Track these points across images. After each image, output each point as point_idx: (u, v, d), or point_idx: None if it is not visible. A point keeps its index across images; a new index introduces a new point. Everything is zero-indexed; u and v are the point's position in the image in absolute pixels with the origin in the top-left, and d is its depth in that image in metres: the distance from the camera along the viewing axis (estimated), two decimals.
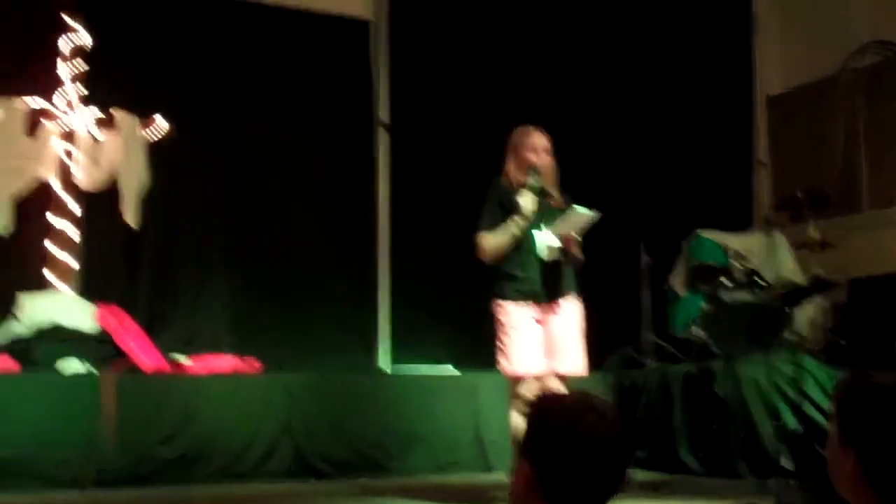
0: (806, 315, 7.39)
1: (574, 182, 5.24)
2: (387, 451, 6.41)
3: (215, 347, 7.10)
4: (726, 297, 7.16)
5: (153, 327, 6.92)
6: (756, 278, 7.24)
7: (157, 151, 7.13)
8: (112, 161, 6.95)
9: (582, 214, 4.87)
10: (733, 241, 7.69)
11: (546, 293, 4.90)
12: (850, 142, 8.63)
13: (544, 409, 2.13)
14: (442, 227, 7.53)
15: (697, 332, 7.24)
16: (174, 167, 7.28)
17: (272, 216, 7.61)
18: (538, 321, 4.90)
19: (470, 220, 6.96)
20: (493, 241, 4.91)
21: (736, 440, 6.21)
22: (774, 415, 5.61)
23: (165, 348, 6.69)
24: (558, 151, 5.14)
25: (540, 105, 7.58)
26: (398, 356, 7.71)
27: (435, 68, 8.04)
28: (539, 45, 8.33)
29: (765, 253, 7.28)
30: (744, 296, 7.14)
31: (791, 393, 5.90)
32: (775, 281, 6.84)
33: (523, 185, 4.89)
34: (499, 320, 4.92)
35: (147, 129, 7.06)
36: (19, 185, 6.71)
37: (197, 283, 7.41)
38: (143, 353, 6.36)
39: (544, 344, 4.91)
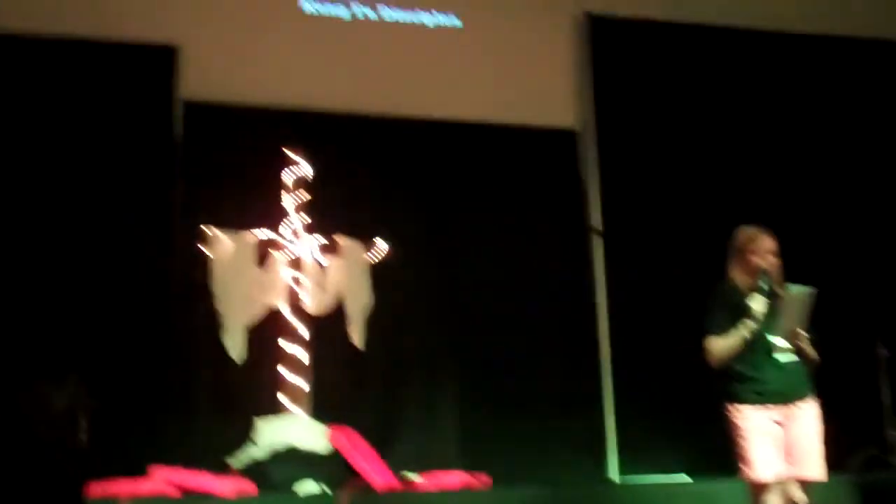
0: None
1: (803, 277, 5.08)
2: None
3: (444, 464, 7.14)
4: None
5: (383, 446, 7.02)
6: None
7: (379, 272, 7.34)
8: (337, 285, 7.19)
9: (798, 294, 4.72)
10: None
11: (782, 395, 4.74)
12: None
13: None
14: (662, 330, 7.44)
15: None
16: (397, 287, 7.47)
17: (494, 331, 7.66)
18: (777, 423, 4.74)
19: (689, 322, 6.84)
20: (722, 344, 4.82)
21: None
22: None
23: (396, 466, 6.77)
24: (783, 247, 5.02)
25: (755, 202, 7.47)
26: (627, 466, 7.55)
27: (643, 172, 8.04)
28: (749, 142, 8.22)
29: None
30: None
31: None
32: None
33: (751, 288, 4.80)
34: (735, 424, 4.77)
35: (369, 253, 7.29)
36: (252, 314, 7.01)
37: (424, 400, 7.52)
38: (375, 472, 6.46)
39: (783, 448, 4.73)
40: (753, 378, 4.76)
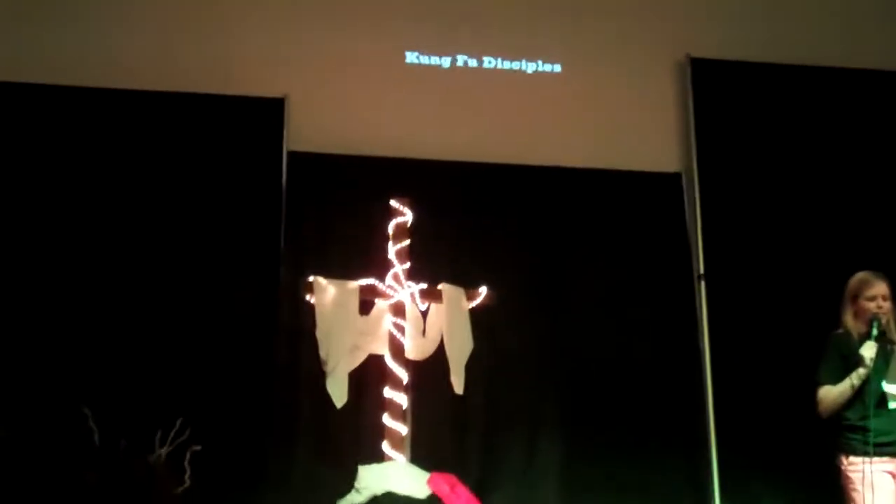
0: None
1: None
2: None
3: None
4: None
5: (484, 492, 7.04)
6: None
7: (481, 318, 7.40)
8: (438, 331, 7.27)
9: None
10: None
11: (894, 447, 4.63)
12: None
13: None
14: (766, 377, 7.32)
15: None
16: (499, 333, 7.51)
17: (597, 377, 7.61)
18: (891, 475, 4.63)
19: (795, 369, 6.72)
20: (832, 393, 4.76)
21: None
22: None
23: None
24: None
25: (863, 245, 7.31)
26: None
27: (746, 215, 7.94)
28: (854, 183, 8.05)
29: None
30: None
31: None
32: None
33: (864, 335, 4.72)
34: (848, 477, 4.67)
35: (471, 299, 7.36)
36: (354, 360, 7.14)
37: (525, 447, 7.48)
38: None
39: None
40: (865, 428, 4.66)
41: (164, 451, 6.23)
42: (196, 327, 7.14)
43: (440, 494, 6.63)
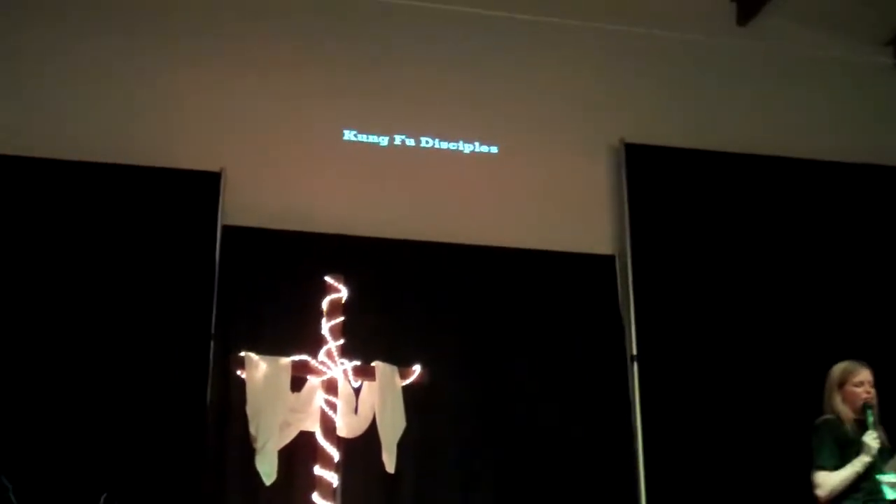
0: None
1: None
2: None
3: None
4: None
5: None
6: None
7: (415, 396, 7.33)
8: (370, 408, 7.19)
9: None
10: None
11: None
12: None
13: None
14: (698, 460, 7.37)
15: None
16: (433, 410, 7.47)
17: (529, 453, 7.60)
18: None
19: (726, 453, 6.75)
20: (835, 478, 4.85)
21: None
22: None
23: None
24: None
25: (791, 327, 7.42)
26: None
27: (678, 297, 8.04)
28: (782, 267, 8.22)
29: None
30: None
31: None
32: None
33: (858, 422, 4.84)
34: None
35: (404, 378, 7.30)
36: (285, 438, 7.02)
37: None
38: None
39: None
40: None
41: None
42: (124, 401, 7.01)
43: None
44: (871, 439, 4.71)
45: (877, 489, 4.68)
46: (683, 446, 7.60)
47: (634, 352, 7.88)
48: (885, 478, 4.70)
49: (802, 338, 7.84)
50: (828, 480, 4.76)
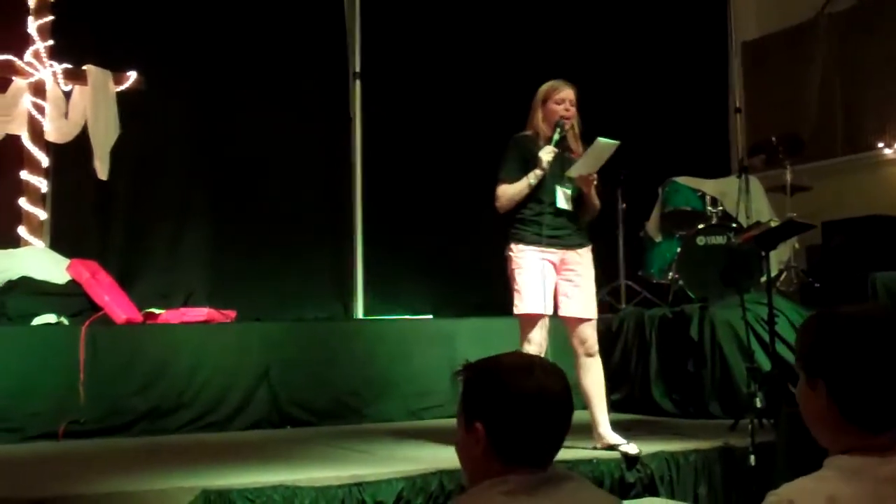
0: (779, 258, 7.42)
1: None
2: (363, 398, 6.40)
3: (192, 301, 7.11)
4: (701, 241, 7.20)
5: (127, 281, 6.88)
6: (730, 222, 7.27)
7: (128, 103, 7.06)
8: (81, 113, 6.89)
9: (606, 144, 4.91)
10: (708, 186, 7.70)
11: (559, 239, 4.95)
12: (825, 87, 8.64)
13: (490, 370, 2.15)
14: (415, 175, 7.58)
15: (673, 276, 7.29)
16: (149, 121, 7.24)
17: (246, 168, 7.59)
18: (552, 264, 4.95)
19: (442, 169, 6.99)
20: (510, 191, 5.00)
21: (710, 382, 6.26)
22: (748, 356, 5.62)
23: (141, 302, 6.64)
24: None
25: (509, 54, 7.60)
26: (375, 307, 7.70)
27: (406, 18, 8.00)
28: None
29: (739, 197, 7.30)
30: (718, 240, 7.18)
31: (764, 334, 5.92)
32: (749, 224, 6.84)
33: (548, 140, 4.97)
34: (514, 260, 4.97)
35: (118, 83, 7.00)
36: None
37: (171, 236, 7.41)
38: (118, 306, 6.31)
39: (558, 289, 4.98)
40: (532, 221, 4.96)
41: None
42: None
43: (80, 280, 6.39)
44: (546, 153, 4.90)
45: (554, 199, 4.94)
46: (401, 167, 7.82)
47: (357, 69, 7.86)
48: (560, 188, 4.95)
49: (517, 59, 8.00)
50: (503, 192, 4.98)
